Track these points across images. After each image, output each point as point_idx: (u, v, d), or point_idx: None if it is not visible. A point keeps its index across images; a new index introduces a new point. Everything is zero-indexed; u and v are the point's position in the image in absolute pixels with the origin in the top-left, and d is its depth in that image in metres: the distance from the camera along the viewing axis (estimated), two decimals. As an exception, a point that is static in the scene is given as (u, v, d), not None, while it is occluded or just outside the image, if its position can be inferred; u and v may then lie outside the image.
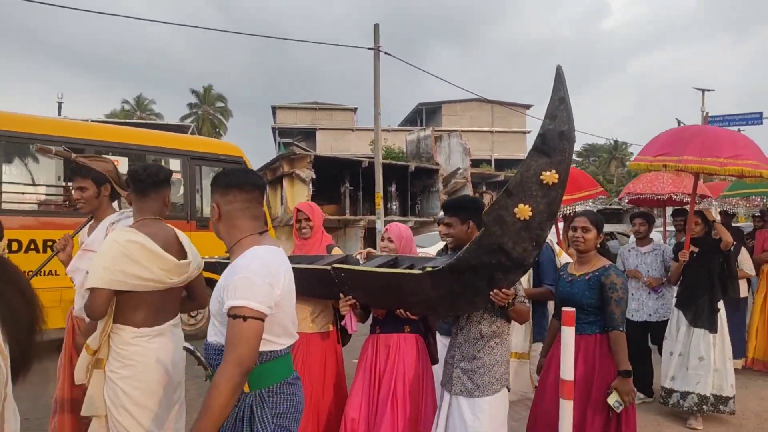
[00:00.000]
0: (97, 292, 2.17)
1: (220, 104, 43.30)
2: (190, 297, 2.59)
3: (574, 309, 2.47)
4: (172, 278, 2.34)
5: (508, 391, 2.60)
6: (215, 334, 1.80)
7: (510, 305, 2.41)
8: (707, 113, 25.61)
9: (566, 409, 2.39)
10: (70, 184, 6.23)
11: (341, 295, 2.78)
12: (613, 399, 2.59)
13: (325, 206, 25.42)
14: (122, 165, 6.90)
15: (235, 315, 1.63)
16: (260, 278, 1.69)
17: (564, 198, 4.56)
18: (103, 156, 3.13)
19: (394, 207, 25.54)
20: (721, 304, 4.35)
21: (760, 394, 5.08)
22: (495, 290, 2.31)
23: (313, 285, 2.86)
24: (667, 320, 4.69)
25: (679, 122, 27.60)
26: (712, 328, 4.25)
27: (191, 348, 1.85)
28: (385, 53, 15.56)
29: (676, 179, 5.84)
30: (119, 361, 2.26)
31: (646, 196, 6.06)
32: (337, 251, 3.21)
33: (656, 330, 4.90)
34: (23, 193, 6.87)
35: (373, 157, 18.19)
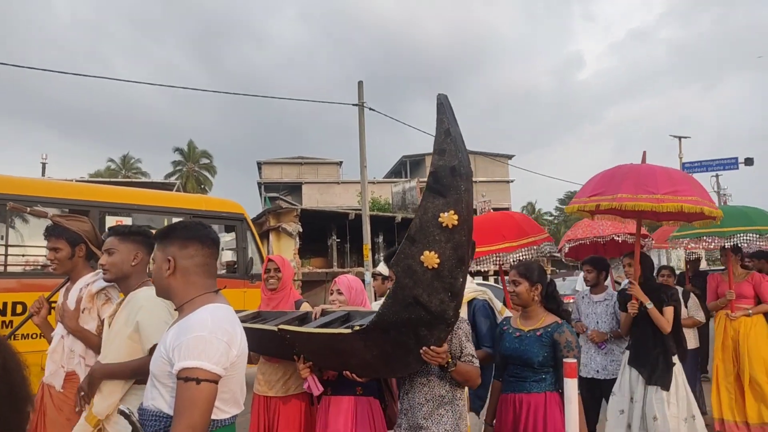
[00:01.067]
0: None
1: (205, 160, 43.54)
2: None
3: (575, 360, 2.38)
4: None
5: None
6: (154, 398, 1.66)
7: (450, 365, 2.19)
8: (683, 160, 26.51)
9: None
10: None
11: (300, 358, 2.61)
12: None
13: (312, 259, 25.37)
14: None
15: (187, 377, 1.51)
16: (216, 337, 1.58)
17: (506, 246, 4.43)
18: (80, 216, 3.06)
19: (380, 258, 25.46)
20: (675, 359, 3.94)
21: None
22: (424, 348, 2.08)
23: (270, 345, 2.74)
24: (614, 379, 4.18)
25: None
26: (665, 384, 3.82)
27: (126, 411, 1.70)
28: (369, 109, 15.94)
29: (615, 222, 5.43)
30: None
31: (586, 241, 5.65)
32: (305, 307, 3.10)
33: (605, 388, 4.26)
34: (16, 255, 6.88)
35: (359, 210, 18.31)
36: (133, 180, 32.57)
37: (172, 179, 36.44)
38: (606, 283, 4.71)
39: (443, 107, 2.02)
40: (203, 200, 8.32)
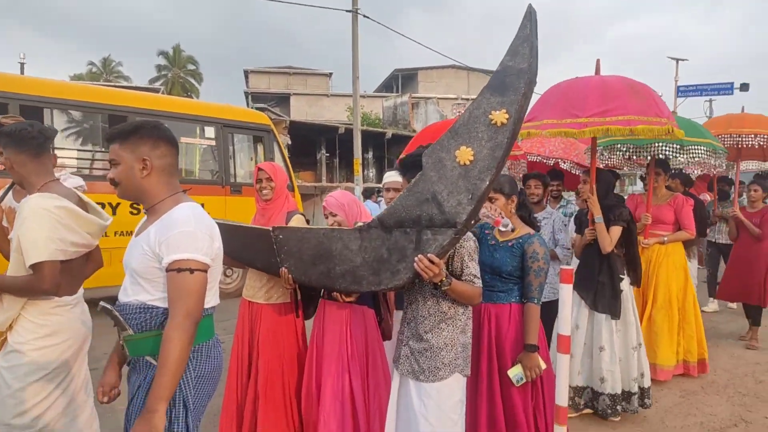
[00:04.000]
0: (47, 265, 2.04)
1: (191, 67, 41.94)
2: (89, 257, 2.38)
3: (573, 268, 2.46)
4: (94, 240, 2.29)
5: (465, 377, 2.31)
6: (137, 293, 1.70)
7: (444, 284, 2.09)
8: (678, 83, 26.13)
9: (563, 364, 2.46)
10: None
11: (281, 270, 2.53)
12: (514, 372, 2.47)
13: (301, 173, 25.29)
14: None
15: (179, 269, 1.60)
16: (200, 230, 1.67)
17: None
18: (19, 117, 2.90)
19: (371, 174, 25.46)
20: (625, 285, 3.67)
21: (730, 351, 5.31)
22: (419, 256, 1.98)
23: (257, 254, 2.68)
24: (555, 301, 3.63)
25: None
26: (615, 313, 3.58)
27: (108, 307, 1.73)
28: (364, 16, 15.23)
29: (567, 143, 5.15)
30: (35, 332, 2.13)
31: (534, 158, 5.33)
32: (298, 219, 2.99)
33: (553, 309, 3.98)
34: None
35: (349, 124, 18.02)
36: (117, 84, 31.42)
37: (157, 84, 35.24)
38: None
39: (530, 16, 1.99)
40: (232, 110, 8.31)
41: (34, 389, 2.11)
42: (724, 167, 4.95)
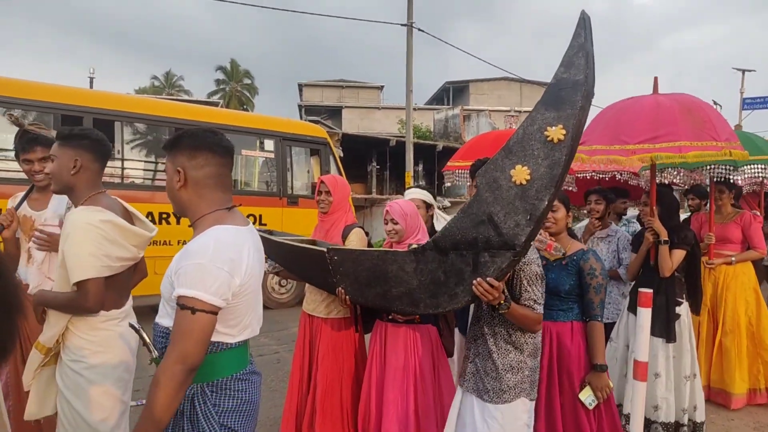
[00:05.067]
0: (92, 283, 1.99)
1: (246, 81, 43.31)
2: (135, 268, 2.31)
3: (651, 291, 2.36)
4: (140, 253, 2.20)
5: (531, 401, 2.25)
6: (163, 316, 1.60)
7: (503, 307, 2.03)
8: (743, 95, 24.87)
9: (638, 392, 2.34)
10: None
11: (338, 290, 2.53)
12: (586, 395, 2.40)
13: (352, 185, 25.41)
14: None
15: (183, 305, 1.43)
16: (216, 265, 1.46)
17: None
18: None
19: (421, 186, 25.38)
20: (683, 310, 3.51)
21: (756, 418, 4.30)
22: (478, 279, 1.93)
23: (314, 273, 2.66)
24: (613, 323, 3.87)
25: (715, 103, 26.79)
26: (669, 336, 3.42)
27: (137, 327, 1.66)
28: (419, 29, 15.30)
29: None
30: (87, 349, 2.08)
31: (585, 175, 5.05)
32: (357, 233, 2.96)
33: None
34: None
35: (401, 136, 18.08)
36: (177, 98, 32.81)
37: (215, 98, 36.54)
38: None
39: (584, 23, 1.91)
40: (290, 123, 8.56)
41: (97, 404, 2.10)
42: None
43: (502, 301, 2.01)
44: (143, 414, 1.42)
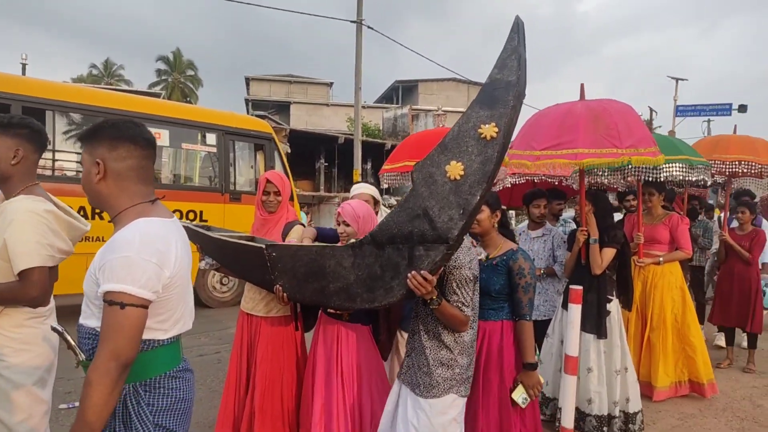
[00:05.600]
0: (38, 271, 1.96)
1: (190, 72, 42.04)
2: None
3: (581, 287, 2.44)
4: (72, 248, 2.16)
5: (462, 397, 2.28)
6: (88, 317, 1.53)
7: (434, 302, 2.08)
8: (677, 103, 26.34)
9: (569, 385, 2.43)
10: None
11: (275, 288, 2.51)
12: (518, 394, 2.44)
13: (299, 182, 25.23)
14: (164, 138, 7.32)
15: (111, 301, 1.38)
16: (144, 257, 1.42)
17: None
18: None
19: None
20: (613, 307, 3.70)
21: (727, 374, 5.27)
22: (413, 272, 1.95)
23: (253, 270, 2.63)
24: (549, 320, 4.05)
25: (651, 110, 28.23)
26: (600, 332, 3.58)
27: (60, 329, 1.58)
28: (368, 27, 15.31)
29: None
30: (9, 347, 2.01)
31: (534, 178, 5.00)
32: (298, 230, 2.92)
33: (537, 329, 3.77)
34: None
35: (349, 134, 18.05)
36: (117, 88, 31.46)
37: (157, 89, 35.25)
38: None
39: (518, 27, 1.96)
40: (234, 117, 8.30)
41: (18, 405, 2.02)
42: (708, 182, 4.86)
43: (434, 297, 2.05)
44: (78, 416, 1.36)
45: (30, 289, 1.96)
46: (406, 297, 2.07)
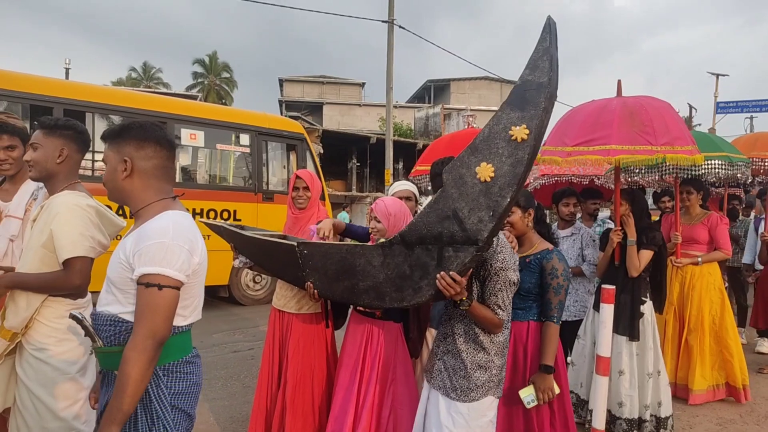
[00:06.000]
0: (81, 261, 2.07)
1: (225, 74, 42.90)
2: None
3: (614, 287, 2.39)
4: (110, 243, 2.25)
5: (497, 398, 2.26)
6: (110, 303, 1.62)
7: (464, 303, 2.06)
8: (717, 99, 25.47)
9: (601, 386, 2.40)
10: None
11: (307, 285, 2.52)
12: (525, 393, 2.38)
13: (331, 182, 25.47)
14: (199, 139, 7.52)
15: (148, 283, 1.50)
16: (179, 243, 1.55)
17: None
18: (14, 115, 2.92)
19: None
20: (647, 309, 3.60)
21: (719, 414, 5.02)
22: (441, 273, 1.96)
23: (285, 268, 2.67)
24: (579, 320, 3.97)
25: (690, 107, 27.40)
26: (633, 334, 3.52)
27: (79, 316, 1.66)
28: (399, 27, 15.32)
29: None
30: (53, 337, 2.12)
31: (564, 178, 4.92)
32: (328, 222, 2.94)
33: (569, 330, 3.95)
34: None
35: (381, 134, 18.11)
36: (156, 90, 32.33)
37: (194, 92, 36.10)
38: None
39: (549, 28, 1.95)
40: (267, 118, 8.43)
41: (62, 392, 2.11)
42: (750, 180, 4.74)
43: (464, 297, 2.03)
44: (116, 393, 1.45)
45: (74, 277, 2.07)
46: (435, 298, 2.08)
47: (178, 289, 1.55)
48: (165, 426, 1.57)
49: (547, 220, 2.99)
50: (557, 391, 2.39)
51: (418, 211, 3.32)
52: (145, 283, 1.50)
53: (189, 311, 1.68)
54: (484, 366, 2.19)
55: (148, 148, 1.68)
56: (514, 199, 1.90)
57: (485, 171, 1.87)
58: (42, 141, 2.20)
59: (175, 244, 1.54)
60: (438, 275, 1.96)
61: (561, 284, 2.44)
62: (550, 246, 2.60)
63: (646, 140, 3.19)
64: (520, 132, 1.85)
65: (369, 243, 2.50)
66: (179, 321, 1.63)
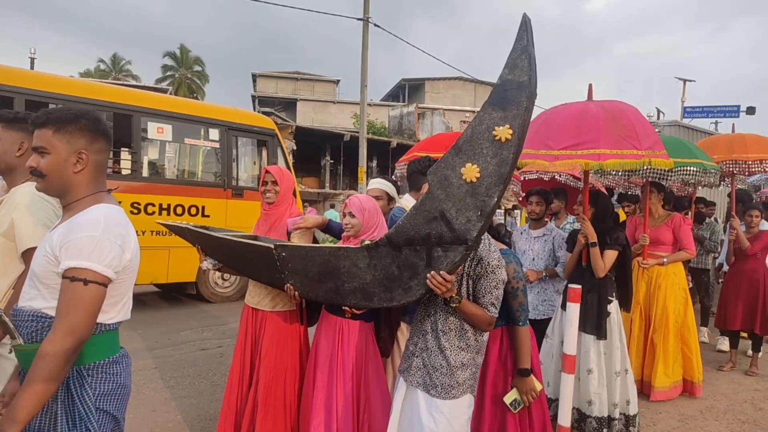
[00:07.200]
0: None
1: (197, 68, 42.16)
2: None
3: (580, 287, 2.42)
4: None
5: (473, 396, 2.26)
6: (33, 298, 1.54)
7: (454, 300, 2.07)
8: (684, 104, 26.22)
9: (567, 384, 2.43)
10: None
11: (287, 286, 2.52)
12: (510, 398, 2.39)
13: (304, 178, 25.32)
14: (167, 133, 7.35)
15: (73, 277, 1.42)
16: (109, 238, 1.49)
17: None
18: None
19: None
20: (613, 308, 3.65)
21: (729, 377, 5.25)
22: (432, 273, 1.97)
23: (261, 269, 2.65)
24: (548, 319, 4.00)
25: (658, 111, 28.10)
26: (600, 333, 3.55)
27: None
28: (375, 25, 15.30)
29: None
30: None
31: (531, 176, 4.92)
32: (313, 217, 2.96)
33: (539, 328, 3.92)
34: None
35: (355, 131, 18.07)
36: (124, 83, 31.57)
37: (164, 85, 35.38)
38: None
39: (525, 26, 1.96)
40: (237, 113, 8.30)
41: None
42: (719, 185, 4.91)
43: (453, 295, 2.05)
44: (23, 388, 1.38)
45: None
46: (425, 295, 2.10)
47: (106, 286, 1.48)
48: (87, 428, 1.49)
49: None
50: (539, 388, 2.41)
51: (393, 209, 3.32)
52: (71, 276, 1.43)
53: (117, 309, 1.61)
54: (466, 364, 2.18)
55: (100, 142, 1.64)
56: (500, 198, 1.93)
57: (471, 172, 1.90)
58: (2, 134, 2.17)
59: (105, 239, 1.48)
60: (428, 275, 1.98)
61: (516, 287, 2.40)
62: (502, 247, 2.53)
63: (631, 144, 3.24)
64: (503, 132, 1.87)
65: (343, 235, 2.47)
66: (104, 318, 1.56)
